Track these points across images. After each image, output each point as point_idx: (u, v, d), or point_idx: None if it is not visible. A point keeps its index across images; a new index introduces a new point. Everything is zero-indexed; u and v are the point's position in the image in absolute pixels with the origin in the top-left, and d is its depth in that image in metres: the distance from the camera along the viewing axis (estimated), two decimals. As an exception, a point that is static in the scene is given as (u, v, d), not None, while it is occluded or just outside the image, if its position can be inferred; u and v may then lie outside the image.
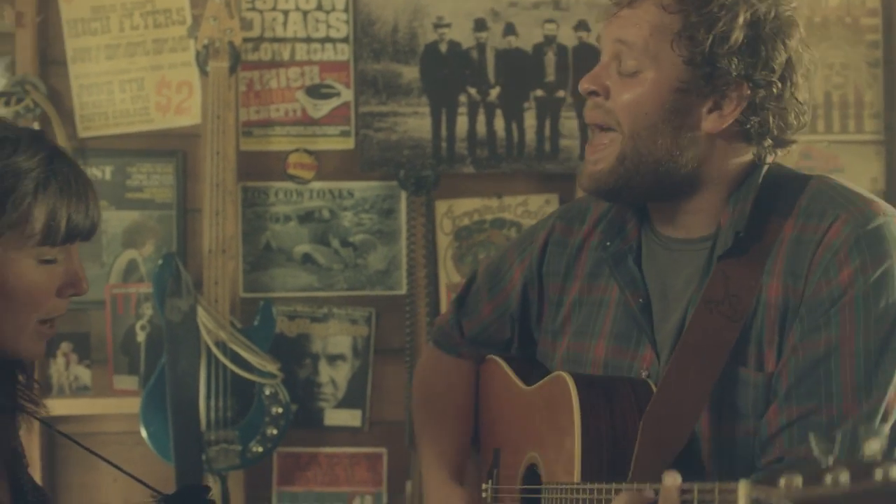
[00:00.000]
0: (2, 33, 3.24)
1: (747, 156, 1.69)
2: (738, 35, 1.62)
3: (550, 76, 3.32)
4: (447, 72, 3.31)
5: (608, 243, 1.78)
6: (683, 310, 1.68)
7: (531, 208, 3.38)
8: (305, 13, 3.32)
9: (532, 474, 1.78)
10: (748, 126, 1.66)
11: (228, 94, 3.19)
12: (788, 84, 1.66)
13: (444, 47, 3.31)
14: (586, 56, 3.31)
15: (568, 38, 3.32)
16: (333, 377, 3.35)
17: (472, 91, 3.31)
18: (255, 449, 3.16)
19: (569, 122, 3.31)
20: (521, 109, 3.31)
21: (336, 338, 3.35)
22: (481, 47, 3.32)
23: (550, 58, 3.32)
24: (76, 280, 1.54)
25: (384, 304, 3.35)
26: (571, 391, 1.65)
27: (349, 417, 3.35)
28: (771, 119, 1.66)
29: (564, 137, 3.32)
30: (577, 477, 1.61)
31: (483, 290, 1.99)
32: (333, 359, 3.36)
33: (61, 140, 3.19)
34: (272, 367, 3.15)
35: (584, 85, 1.71)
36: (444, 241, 3.37)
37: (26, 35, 3.22)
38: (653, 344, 1.71)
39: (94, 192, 1.54)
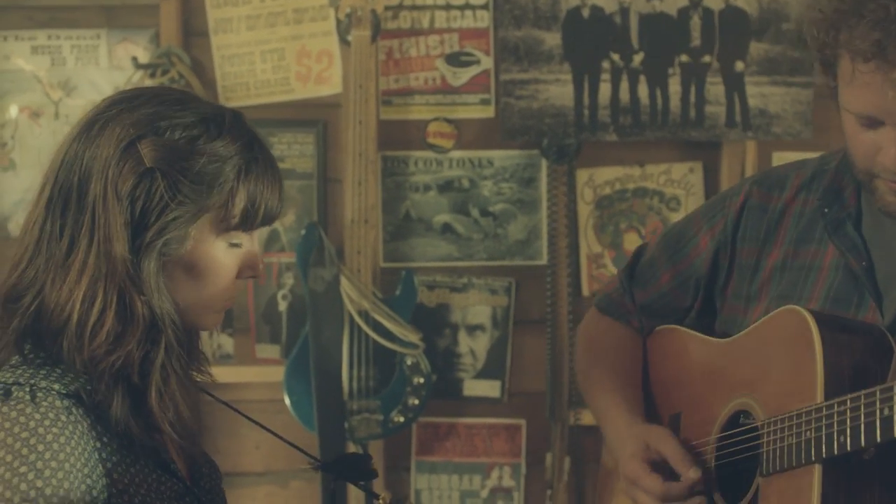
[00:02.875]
0: (147, 5, 3.27)
1: None
2: None
3: (696, 41, 3.23)
4: (590, 38, 3.24)
5: (826, 210, 1.76)
6: None
7: (674, 177, 3.31)
8: (444, -20, 3.29)
9: (735, 423, 1.73)
10: None
11: (370, 62, 3.17)
12: None
13: (586, 13, 3.24)
14: (733, 19, 3.21)
15: (714, 0, 3.23)
16: (473, 348, 3.33)
17: (615, 57, 3.24)
18: (396, 419, 3.16)
19: (714, 89, 3.22)
20: (665, 75, 3.23)
21: (475, 308, 3.33)
22: (624, 12, 3.24)
23: (696, 22, 3.23)
24: (254, 263, 1.53)
25: (524, 275, 3.32)
26: (809, 320, 1.61)
27: (488, 388, 3.33)
28: None
29: (710, 104, 3.23)
30: (819, 398, 1.57)
31: (661, 259, 1.96)
32: (473, 329, 3.34)
33: (205, 110, 3.22)
34: (414, 337, 3.14)
35: None
36: (584, 211, 3.31)
37: (170, 7, 3.25)
38: (878, 304, 1.67)
39: (281, 177, 1.55)
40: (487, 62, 3.29)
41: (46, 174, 1.49)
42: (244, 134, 1.49)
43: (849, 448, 1.51)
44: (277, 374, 3.20)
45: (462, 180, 3.31)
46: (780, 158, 3.27)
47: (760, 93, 3.22)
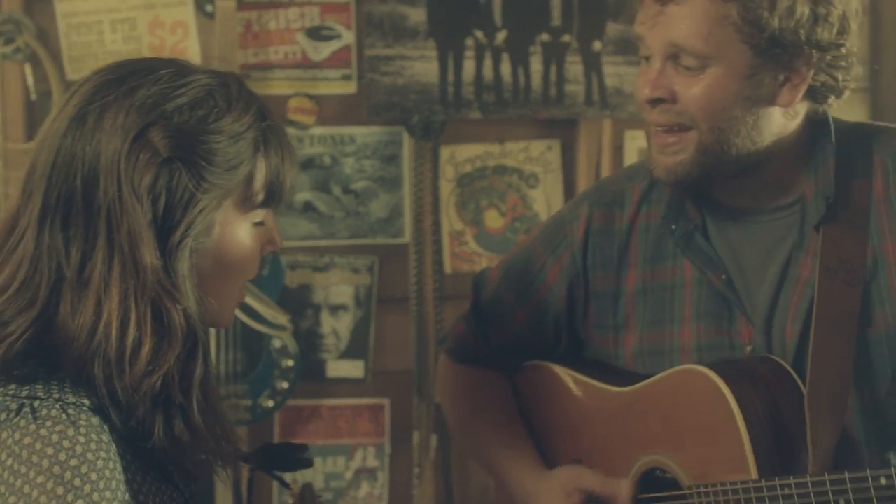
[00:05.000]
0: (-16, -32, 3.04)
1: (801, 113, 1.67)
2: (802, 7, 1.58)
3: (556, 20, 3.27)
4: (454, 14, 3.22)
5: (673, 226, 1.73)
6: (775, 281, 1.67)
7: (532, 154, 3.35)
8: (303, -48, 3.20)
9: (651, 480, 1.71)
10: (815, 86, 1.63)
11: (233, 35, 3.06)
12: (846, 36, 1.63)
13: (450, -11, 3.23)
14: (591, 0, 3.27)
15: (572, -19, 3.28)
16: (336, 328, 3.28)
17: (479, 34, 3.24)
18: (265, 403, 3.07)
19: (574, 68, 3.28)
20: (527, 54, 3.26)
21: (338, 287, 3.27)
22: (487, -10, 3.25)
23: (556, 1, 3.27)
24: (273, 237, 1.41)
25: (386, 253, 3.28)
26: (719, 383, 1.59)
27: (352, 368, 3.28)
28: (840, 76, 1.64)
29: (569, 83, 3.28)
30: (753, 474, 1.56)
31: (509, 296, 1.89)
32: (335, 309, 3.28)
33: (54, 84, 3.02)
34: (283, 319, 3.06)
35: (647, 93, 1.63)
36: (446, 188, 3.31)
37: (11, -30, 3.03)
38: (747, 318, 1.68)
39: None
40: (349, 37, 3.23)
41: (28, 182, 1.30)
42: (252, 102, 1.37)
43: None
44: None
45: (323, 157, 3.24)
46: (632, 137, 3.37)
47: (616, 72, 3.30)
